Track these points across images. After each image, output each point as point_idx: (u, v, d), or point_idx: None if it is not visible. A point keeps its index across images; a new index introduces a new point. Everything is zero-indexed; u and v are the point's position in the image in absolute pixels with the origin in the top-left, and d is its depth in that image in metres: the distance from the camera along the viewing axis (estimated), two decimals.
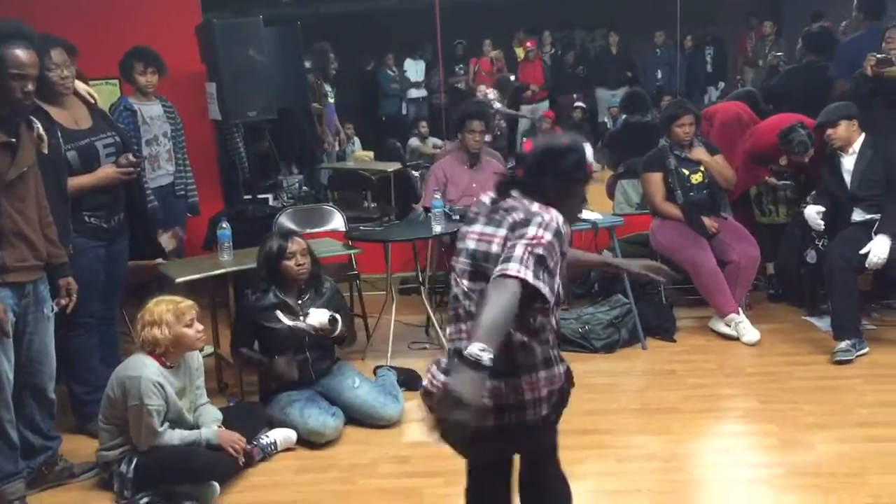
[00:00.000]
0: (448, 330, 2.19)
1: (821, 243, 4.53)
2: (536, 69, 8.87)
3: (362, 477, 3.24)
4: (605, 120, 8.96)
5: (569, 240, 2.11)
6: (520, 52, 9.00)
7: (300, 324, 3.61)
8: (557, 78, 9.22)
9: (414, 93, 9.02)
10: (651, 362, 4.36)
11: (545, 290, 1.94)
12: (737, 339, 4.52)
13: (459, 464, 3.17)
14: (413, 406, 3.83)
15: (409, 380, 4.04)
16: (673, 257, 4.74)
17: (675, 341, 4.61)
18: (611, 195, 6.06)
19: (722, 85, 8.74)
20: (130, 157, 3.59)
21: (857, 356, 4.14)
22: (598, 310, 4.66)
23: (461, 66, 8.70)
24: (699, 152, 4.77)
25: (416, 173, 6.26)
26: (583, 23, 9.68)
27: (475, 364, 1.77)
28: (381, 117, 8.90)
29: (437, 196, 4.64)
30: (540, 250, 1.95)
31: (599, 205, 5.67)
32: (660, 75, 8.70)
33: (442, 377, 1.97)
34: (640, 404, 3.83)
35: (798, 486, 3.01)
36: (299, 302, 3.71)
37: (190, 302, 3.21)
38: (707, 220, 4.70)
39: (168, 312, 3.12)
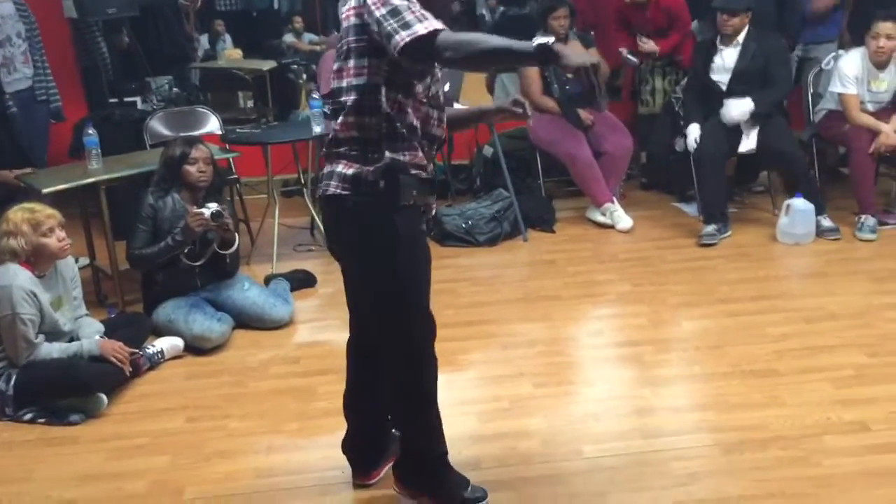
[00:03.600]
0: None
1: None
2: None
3: (253, 379, 3.27)
4: (484, 12, 8.87)
5: None
6: None
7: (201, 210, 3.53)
8: None
9: None
10: (532, 253, 4.52)
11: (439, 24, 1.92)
12: (612, 226, 4.72)
13: None
14: (303, 306, 3.88)
15: (304, 280, 4.08)
16: (550, 150, 4.87)
17: (554, 232, 4.78)
18: (490, 89, 6.08)
19: None
20: None
21: (721, 239, 4.42)
22: (481, 205, 4.75)
23: None
24: (575, 45, 4.83)
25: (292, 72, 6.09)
26: None
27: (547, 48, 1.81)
28: (252, 12, 8.53)
29: (316, 96, 4.55)
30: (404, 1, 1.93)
31: (477, 99, 5.71)
32: None
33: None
34: (522, 294, 3.98)
35: (665, 361, 3.25)
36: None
37: (50, 210, 3.08)
38: (583, 113, 4.81)
39: (24, 222, 3.00)
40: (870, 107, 4.52)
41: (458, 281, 4.13)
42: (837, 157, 5.14)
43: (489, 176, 5.21)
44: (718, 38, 4.57)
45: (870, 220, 4.34)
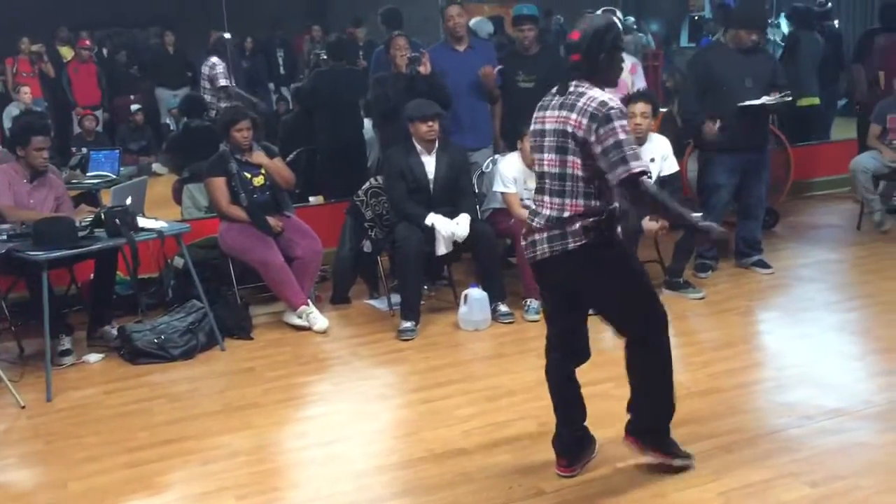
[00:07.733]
0: (544, 199, 2.92)
1: (373, 233, 5.06)
2: (90, 71, 8.37)
3: None
4: (168, 121, 8.80)
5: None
6: (66, 52, 8.41)
7: None
8: (111, 78, 8.83)
9: None
10: (230, 362, 4.48)
11: (648, 166, 2.76)
12: (309, 328, 4.84)
13: None
14: None
15: None
16: (242, 258, 4.92)
17: (252, 339, 4.78)
18: (178, 200, 6.03)
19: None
20: None
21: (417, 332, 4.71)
22: (174, 318, 4.64)
23: None
24: (259, 156, 4.98)
25: None
26: (135, 20, 9.38)
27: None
28: None
29: None
30: (625, 135, 2.68)
31: (166, 212, 5.63)
32: None
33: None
34: (221, 405, 3.92)
35: (366, 454, 3.38)
36: None
37: None
38: (272, 220, 4.93)
39: None
40: (528, 202, 5.14)
41: (152, 399, 3.97)
42: (505, 248, 5.74)
43: (182, 287, 5.08)
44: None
45: (534, 303, 4.86)
